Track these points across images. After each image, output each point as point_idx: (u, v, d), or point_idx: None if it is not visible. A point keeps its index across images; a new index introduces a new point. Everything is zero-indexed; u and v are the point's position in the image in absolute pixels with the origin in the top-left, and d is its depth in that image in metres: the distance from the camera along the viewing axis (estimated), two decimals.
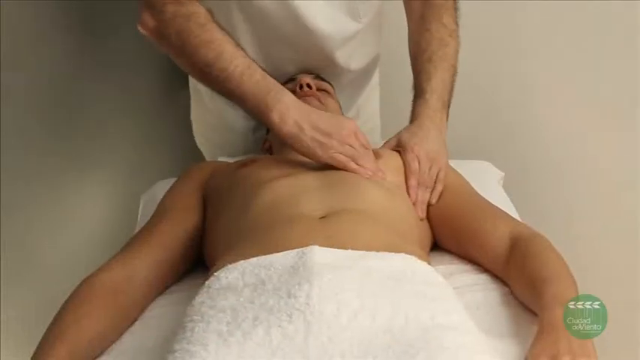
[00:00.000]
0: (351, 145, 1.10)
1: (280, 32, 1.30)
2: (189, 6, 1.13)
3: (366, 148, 1.12)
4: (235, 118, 1.50)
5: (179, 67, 1.21)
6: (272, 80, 1.13)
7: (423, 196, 1.14)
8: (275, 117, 1.10)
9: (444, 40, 1.29)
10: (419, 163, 1.16)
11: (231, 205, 1.06)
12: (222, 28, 1.14)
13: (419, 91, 1.27)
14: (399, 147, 1.20)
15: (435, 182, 1.15)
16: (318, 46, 1.29)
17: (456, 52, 1.31)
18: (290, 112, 1.10)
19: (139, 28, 1.16)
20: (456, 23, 1.33)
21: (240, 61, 1.12)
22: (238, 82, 1.11)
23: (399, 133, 1.22)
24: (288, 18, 1.28)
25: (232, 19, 1.26)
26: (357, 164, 1.10)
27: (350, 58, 1.41)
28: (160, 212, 1.11)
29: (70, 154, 1.67)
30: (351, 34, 1.35)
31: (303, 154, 1.12)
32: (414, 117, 1.25)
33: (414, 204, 1.12)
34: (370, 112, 1.59)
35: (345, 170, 1.10)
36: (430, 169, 1.16)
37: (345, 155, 1.10)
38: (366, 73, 1.53)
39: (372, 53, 1.49)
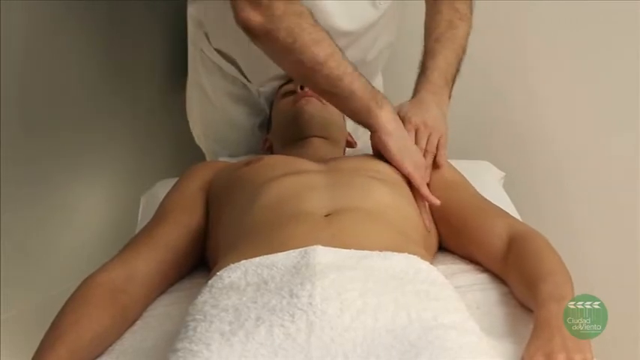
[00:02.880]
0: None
1: None
2: (298, 5, 1.15)
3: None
4: (241, 115, 1.51)
5: (278, 64, 1.21)
6: (372, 86, 1.19)
7: (426, 161, 1.16)
8: (384, 115, 1.15)
9: (454, 23, 1.31)
10: (417, 132, 1.18)
11: (235, 204, 1.06)
12: (326, 31, 1.16)
13: (422, 69, 1.29)
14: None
15: (438, 148, 1.17)
16: (337, 41, 1.29)
17: (466, 34, 1.33)
18: (394, 118, 1.17)
19: (240, 24, 1.15)
20: (470, 10, 1.35)
21: (348, 63, 1.16)
22: (350, 80, 1.14)
23: (399, 105, 1.23)
24: None
25: None
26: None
27: (368, 49, 1.42)
28: (162, 212, 1.11)
29: (70, 155, 1.66)
30: (370, 23, 1.37)
31: (391, 156, 1.15)
32: (415, 91, 1.27)
33: (410, 177, 1.13)
34: None
35: (417, 188, 1.12)
36: (430, 136, 1.18)
37: (419, 177, 1.14)
38: (377, 64, 1.54)
39: (388, 41, 1.50)
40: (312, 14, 1.15)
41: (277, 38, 1.13)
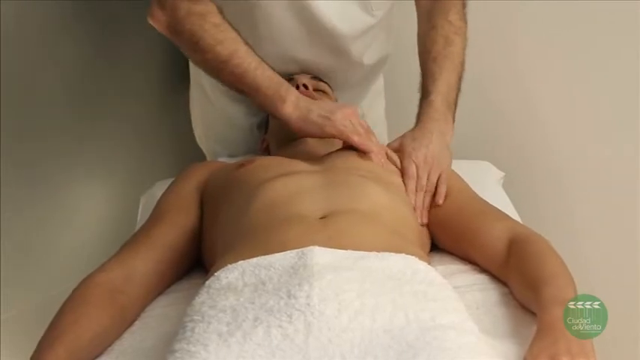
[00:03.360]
0: (351, 123, 1.17)
1: (294, 32, 1.31)
2: (203, 4, 1.17)
3: (367, 130, 1.18)
4: (239, 114, 1.51)
5: (192, 61, 1.27)
6: (280, 77, 1.21)
7: (423, 201, 1.14)
8: (287, 107, 1.18)
9: (449, 39, 1.30)
10: (417, 168, 1.16)
11: (230, 205, 1.06)
12: (233, 27, 1.19)
13: (424, 93, 1.28)
14: (400, 151, 1.20)
15: (437, 184, 1.16)
16: (333, 43, 1.30)
17: (463, 49, 1.31)
18: (300, 102, 1.19)
19: (150, 21, 1.20)
20: (464, 20, 1.34)
21: (252, 59, 1.18)
22: (253, 76, 1.18)
23: (402, 135, 1.23)
24: (302, 17, 1.28)
25: (243, 19, 1.27)
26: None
27: (363, 52, 1.42)
28: (158, 212, 1.11)
29: (69, 155, 1.67)
30: (365, 29, 1.36)
31: (312, 134, 1.19)
32: (418, 119, 1.25)
33: (414, 209, 1.13)
34: (375, 118, 1.60)
35: (347, 141, 1.16)
36: (430, 173, 1.16)
37: (348, 128, 1.16)
38: (375, 72, 1.54)
39: (384, 50, 1.50)
40: (219, 12, 1.18)
41: (182, 38, 1.19)
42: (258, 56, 1.19)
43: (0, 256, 1.52)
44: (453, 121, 1.27)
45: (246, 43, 1.19)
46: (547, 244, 1.00)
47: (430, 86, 1.26)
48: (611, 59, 1.69)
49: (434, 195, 1.15)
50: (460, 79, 1.30)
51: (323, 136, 1.18)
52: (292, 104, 1.18)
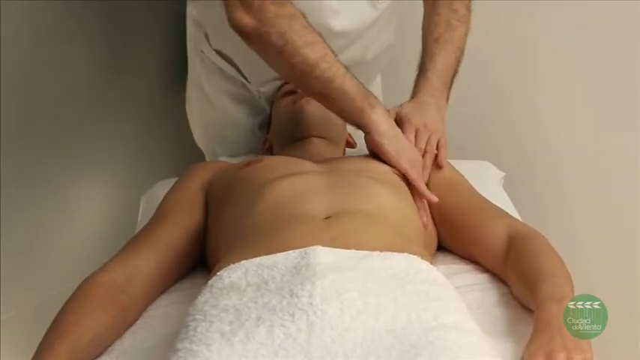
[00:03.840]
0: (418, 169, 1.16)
1: None
2: (290, 7, 1.15)
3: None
4: (241, 115, 1.51)
5: (271, 66, 1.22)
6: (365, 87, 1.19)
7: (426, 161, 1.16)
8: (378, 115, 1.16)
9: (452, 24, 1.32)
10: (417, 133, 1.19)
11: (235, 204, 1.06)
12: (318, 33, 1.17)
13: (421, 69, 1.29)
14: (398, 120, 1.22)
15: (438, 148, 1.18)
16: (337, 42, 1.30)
17: (464, 35, 1.33)
18: (389, 118, 1.18)
19: (233, 26, 1.16)
20: (468, 10, 1.36)
21: (340, 64, 1.16)
22: (342, 82, 1.15)
23: (399, 106, 1.23)
24: (308, 16, 1.28)
25: None
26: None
27: (367, 48, 1.42)
28: (161, 212, 1.11)
29: (70, 155, 1.67)
30: (369, 23, 1.37)
31: (387, 155, 1.15)
32: (414, 93, 1.27)
33: (407, 174, 1.13)
34: None
35: (414, 184, 1.13)
36: (430, 137, 1.19)
37: (416, 174, 1.14)
38: (375, 68, 1.54)
39: (386, 43, 1.50)
40: (304, 16, 1.16)
41: (269, 41, 1.14)
42: (345, 65, 1.17)
43: (0, 256, 1.52)
44: (447, 100, 1.29)
45: (332, 50, 1.17)
46: (545, 242, 1.00)
47: (428, 64, 1.28)
48: (611, 59, 1.69)
49: (435, 158, 1.17)
50: (458, 62, 1.31)
51: (393, 164, 1.15)
52: (382, 115, 1.17)
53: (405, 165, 1.14)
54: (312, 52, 1.13)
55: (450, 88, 1.30)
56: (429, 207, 1.13)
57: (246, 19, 1.13)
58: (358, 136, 1.45)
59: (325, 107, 1.22)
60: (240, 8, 1.14)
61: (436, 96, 1.25)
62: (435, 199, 1.12)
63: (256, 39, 1.15)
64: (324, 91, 1.16)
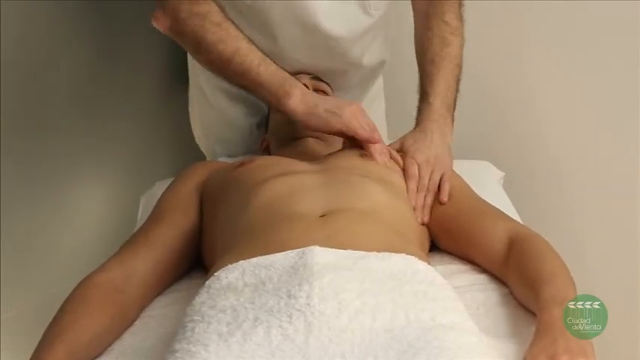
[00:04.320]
0: (357, 120, 1.17)
1: (292, 34, 1.30)
2: (204, 5, 1.18)
3: (372, 128, 1.18)
4: (238, 114, 1.51)
5: (197, 61, 1.27)
6: (285, 71, 1.21)
7: (424, 201, 1.14)
8: (293, 101, 1.18)
9: (446, 40, 1.30)
10: (419, 169, 1.16)
11: (230, 204, 1.06)
12: (235, 25, 1.20)
13: (423, 95, 1.28)
14: (401, 151, 1.21)
15: (441, 183, 1.16)
16: (331, 46, 1.30)
17: (460, 49, 1.32)
18: (305, 96, 1.19)
19: (154, 24, 1.20)
20: (460, 20, 1.34)
21: (255, 55, 1.19)
22: (256, 73, 1.18)
23: (403, 137, 1.23)
24: (300, 20, 1.28)
25: (238, 21, 1.26)
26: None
27: (362, 54, 1.42)
28: (158, 212, 1.11)
29: (70, 155, 1.67)
30: (364, 29, 1.36)
31: (317, 128, 1.18)
32: (417, 121, 1.26)
33: (414, 209, 1.12)
34: (375, 119, 1.58)
35: (354, 135, 1.15)
36: (432, 173, 1.16)
37: (354, 124, 1.15)
38: (374, 73, 1.54)
39: (383, 51, 1.50)
40: (219, 12, 1.19)
41: (185, 40, 1.20)
42: (262, 52, 1.20)
43: (0, 255, 1.52)
44: (452, 122, 1.27)
45: (249, 41, 1.20)
46: (547, 244, 1.00)
47: (428, 88, 1.27)
48: (611, 59, 1.68)
49: (437, 194, 1.15)
50: (458, 79, 1.30)
51: (328, 130, 1.18)
52: (298, 98, 1.18)
53: (338, 126, 1.16)
54: (225, 47, 1.18)
55: (454, 109, 1.28)
56: (430, 211, 1.13)
57: (164, 20, 1.19)
58: None
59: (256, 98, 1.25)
60: (159, 9, 1.19)
61: (440, 122, 1.24)
62: (385, 160, 1.13)
63: (175, 38, 1.21)
64: (243, 82, 1.21)
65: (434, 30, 1.31)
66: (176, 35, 1.21)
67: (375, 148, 1.15)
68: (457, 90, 1.30)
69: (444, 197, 1.14)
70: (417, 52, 1.34)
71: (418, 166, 1.17)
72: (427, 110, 1.25)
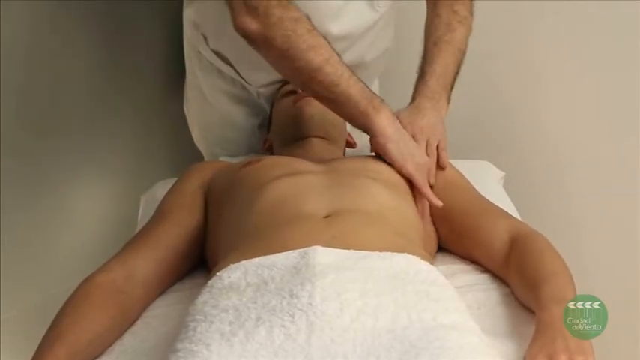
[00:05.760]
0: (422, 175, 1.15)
1: None
2: (294, 11, 1.14)
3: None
4: (240, 115, 1.50)
5: (276, 70, 1.22)
6: (372, 91, 1.18)
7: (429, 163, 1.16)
8: (383, 119, 1.15)
9: (452, 26, 1.31)
10: (414, 139, 1.18)
11: (234, 204, 1.06)
12: (323, 36, 1.16)
13: (420, 74, 1.29)
14: None
15: (438, 150, 1.17)
16: (335, 43, 1.30)
17: (465, 37, 1.32)
18: (393, 119, 1.17)
19: (238, 30, 1.15)
20: (469, 12, 1.35)
21: (345, 68, 1.15)
22: (346, 85, 1.14)
23: (396, 112, 1.23)
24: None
25: None
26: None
27: (366, 51, 1.42)
28: (161, 212, 1.11)
29: (70, 155, 1.67)
30: (369, 26, 1.36)
31: (392, 159, 1.15)
32: (412, 98, 1.27)
33: (412, 179, 1.13)
34: None
35: (417, 189, 1.13)
36: (428, 140, 1.18)
37: (422, 179, 1.14)
38: (374, 70, 1.54)
39: (385, 45, 1.50)
40: (309, 20, 1.15)
41: (273, 45, 1.13)
42: (350, 68, 1.17)
43: (0, 255, 1.52)
44: (448, 102, 1.28)
45: (337, 53, 1.16)
46: (547, 243, 1.00)
47: (426, 67, 1.28)
48: (611, 59, 1.69)
49: (437, 165, 1.17)
50: (459, 63, 1.30)
51: (398, 166, 1.14)
52: (388, 118, 1.16)
53: (410, 169, 1.13)
54: (315, 55, 1.13)
55: (450, 88, 1.29)
56: (430, 208, 1.13)
57: (251, 24, 1.13)
58: (358, 136, 1.45)
59: (331, 110, 1.22)
60: (245, 12, 1.13)
61: (435, 98, 1.24)
62: (439, 203, 1.11)
63: (261, 43, 1.15)
64: (329, 94, 1.16)
65: (441, 17, 1.32)
66: (264, 40, 1.14)
67: (424, 207, 1.13)
68: (457, 73, 1.30)
69: (444, 163, 1.16)
70: (424, 38, 1.35)
71: (413, 136, 1.18)
72: (422, 88, 1.26)
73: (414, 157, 1.15)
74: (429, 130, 1.19)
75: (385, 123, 1.15)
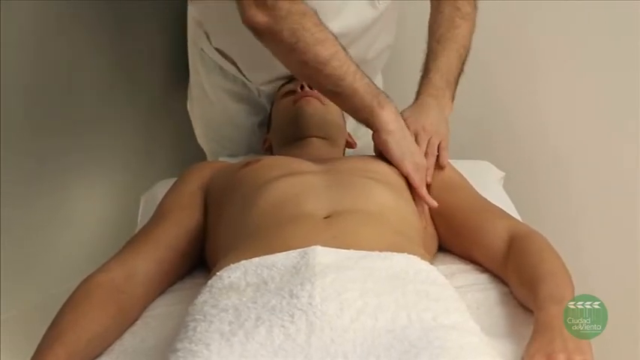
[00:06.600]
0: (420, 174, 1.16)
1: None
2: (302, 5, 1.15)
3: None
4: (240, 113, 1.51)
5: (283, 63, 1.22)
6: (376, 85, 1.19)
7: (427, 163, 1.17)
8: (387, 114, 1.15)
9: (455, 22, 1.32)
10: (416, 137, 1.19)
11: (234, 204, 1.06)
12: (330, 30, 1.16)
13: (424, 71, 1.30)
14: None
15: (439, 150, 1.18)
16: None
17: (469, 33, 1.33)
18: (397, 115, 1.18)
19: (246, 24, 1.16)
20: (473, 8, 1.36)
21: (351, 62, 1.16)
22: (352, 80, 1.15)
23: (401, 111, 1.23)
24: None
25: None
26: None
27: (367, 48, 1.42)
28: (161, 212, 1.11)
29: (70, 155, 1.67)
30: (369, 23, 1.37)
31: (392, 155, 1.15)
32: (417, 96, 1.27)
33: (409, 177, 1.13)
34: None
35: (414, 187, 1.13)
36: (430, 139, 1.19)
37: (418, 179, 1.14)
38: (376, 64, 1.54)
39: (387, 42, 1.51)
40: (316, 14, 1.16)
41: (281, 39, 1.14)
42: (356, 63, 1.17)
43: (0, 255, 1.52)
44: (453, 99, 1.28)
45: (344, 47, 1.17)
46: (546, 242, 1.00)
47: (430, 65, 1.29)
48: (611, 58, 1.69)
49: (437, 165, 1.18)
50: (462, 60, 1.31)
51: (396, 163, 1.15)
52: (391, 114, 1.16)
53: (407, 167, 1.14)
54: (323, 49, 1.13)
55: (455, 86, 1.29)
56: (430, 209, 1.13)
57: (260, 17, 1.13)
58: (359, 136, 1.45)
59: (336, 105, 1.22)
60: (254, 6, 1.14)
61: (438, 96, 1.25)
62: (434, 204, 1.12)
63: (269, 37, 1.15)
64: (335, 88, 1.16)
65: (445, 13, 1.33)
66: (272, 34, 1.14)
67: (424, 206, 1.14)
68: (461, 69, 1.31)
69: (444, 163, 1.16)
70: (428, 35, 1.35)
71: (415, 134, 1.19)
72: (426, 85, 1.27)
73: (412, 156, 1.15)
74: (431, 128, 1.20)
75: (389, 118, 1.16)
